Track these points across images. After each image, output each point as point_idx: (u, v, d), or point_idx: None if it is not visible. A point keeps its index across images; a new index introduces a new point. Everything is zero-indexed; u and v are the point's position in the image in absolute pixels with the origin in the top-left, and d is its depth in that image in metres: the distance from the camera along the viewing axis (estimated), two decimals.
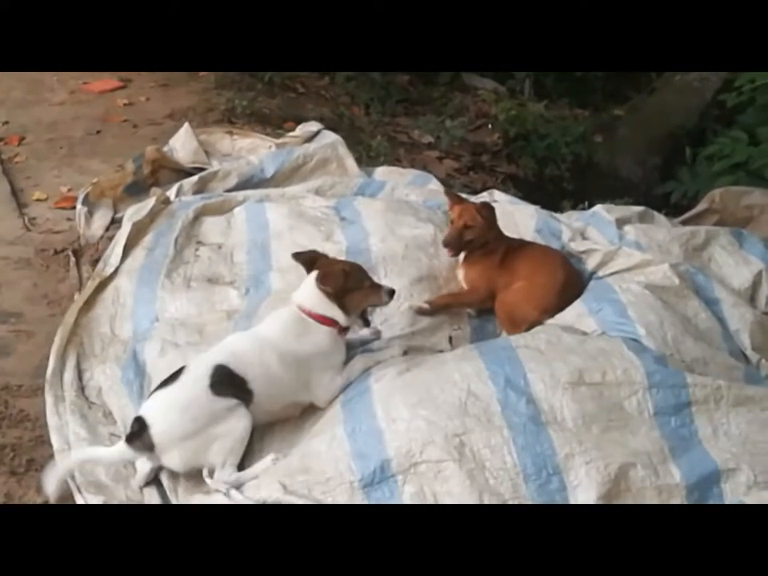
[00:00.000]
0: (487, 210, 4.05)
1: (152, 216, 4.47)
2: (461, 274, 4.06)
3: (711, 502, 3.06)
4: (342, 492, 3.01)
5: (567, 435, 3.14)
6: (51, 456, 3.36)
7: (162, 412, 3.20)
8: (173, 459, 3.20)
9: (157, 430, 3.16)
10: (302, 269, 3.65)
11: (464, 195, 4.88)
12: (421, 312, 3.86)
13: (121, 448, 3.18)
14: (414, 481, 3.02)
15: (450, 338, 3.83)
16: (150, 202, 4.50)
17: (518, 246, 4.09)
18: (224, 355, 3.33)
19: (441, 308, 3.91)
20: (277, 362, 3.35)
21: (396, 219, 4.31)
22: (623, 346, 3.48)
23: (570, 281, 3.99)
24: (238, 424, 3.23)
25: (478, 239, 4.00)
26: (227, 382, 3.25)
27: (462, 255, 4.05)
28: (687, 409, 3.29)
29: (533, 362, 3.35)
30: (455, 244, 3.98)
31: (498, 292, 3.97)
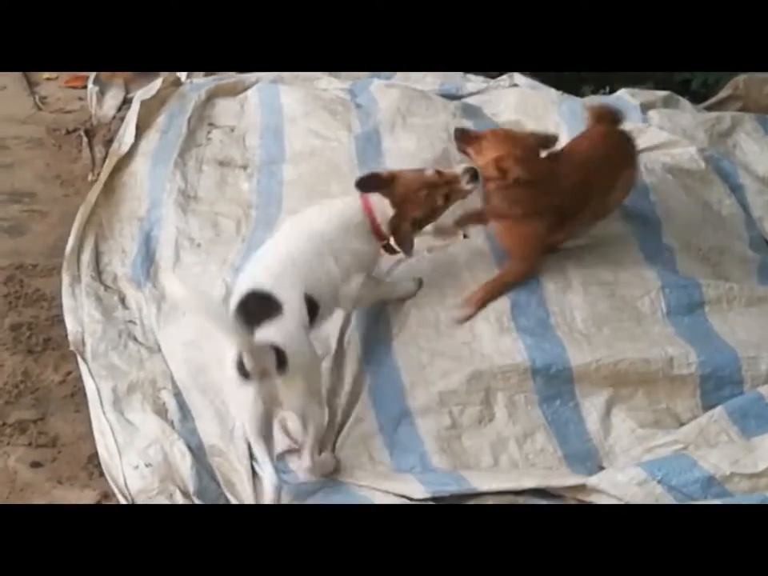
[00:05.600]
0: (511, 165, 3.16)
1: (163, 98, 4.39)
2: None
3: (727, 391, 3.11)
4: None
5: (577, 336, 3.17)
6: (67, 336, 3.39)
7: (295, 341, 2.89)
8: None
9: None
10: (315, 158, 3.63)
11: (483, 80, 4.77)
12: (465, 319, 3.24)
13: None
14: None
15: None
16: (158, 83, 4.42)
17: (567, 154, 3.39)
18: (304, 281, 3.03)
19: (484, 302, 3.25)
20: (334, 264, 3.11)
21: (410, 109, 4.18)
22: (637, 244, 3.48)
23: None
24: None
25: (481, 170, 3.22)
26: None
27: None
28: (701, 309, 3.31)
29: (545, 263, 3.35)
30: (464, 139, 3.30)
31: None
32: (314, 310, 3.03)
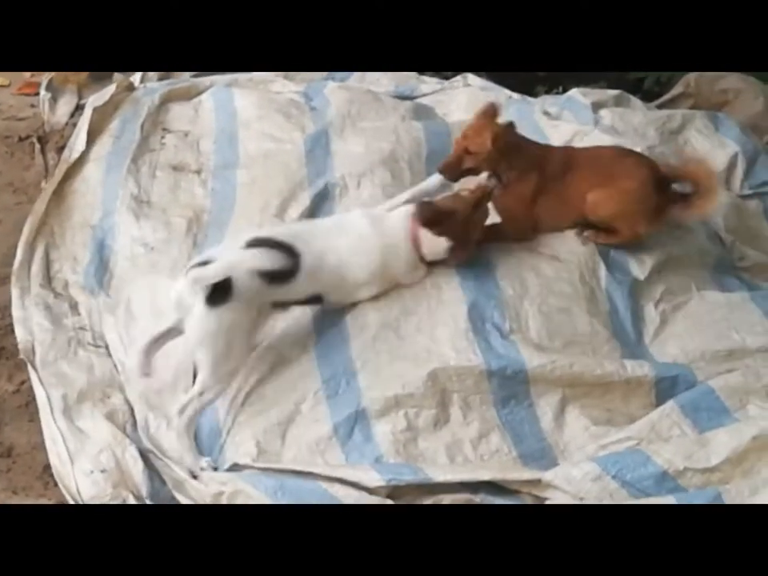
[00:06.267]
0: (505, 137, 3.39)
1: (116, 103, 4.36)
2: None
3: (681, 390, 3.14)
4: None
5: (531, 342, 3.21)
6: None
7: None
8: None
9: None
10: (270, 161, 3.72)
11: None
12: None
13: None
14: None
15: None
16: (112, 88, 4.39)
17: (570, 153, 3.61)
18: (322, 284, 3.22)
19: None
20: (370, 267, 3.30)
21: (360, 111, 4.21)
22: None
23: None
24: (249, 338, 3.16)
25: (481, 169, 3.44)
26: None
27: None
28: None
29: (504, 267, 3.41)
30: (451, 171, 3.44)
31: (549, 215, 3.51)
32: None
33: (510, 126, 3.43)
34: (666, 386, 3.14)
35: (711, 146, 4.24)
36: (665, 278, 3.54)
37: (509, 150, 3.39)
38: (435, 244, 3.31)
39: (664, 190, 3.48)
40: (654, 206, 3.46)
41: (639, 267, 3.53)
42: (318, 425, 3.04)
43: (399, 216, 3.36)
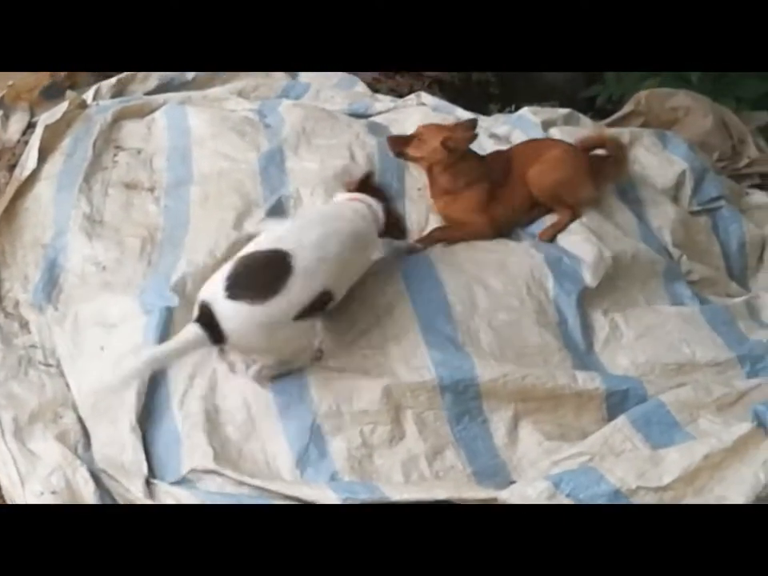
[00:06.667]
0: (457, 144, 3.62)
1: (68, 121, 4.32)
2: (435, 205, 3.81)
3: (631, 404, 3.18)
4: None
5: (483, 354, 3.23)
6: None
7: (242, 327, 2.90)
8: (240, 353, 3.11)
9: (233, 340, 2.91)
10: (224, 179, 3.71)
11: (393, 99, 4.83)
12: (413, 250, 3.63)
13: (194, 330, 2.88)
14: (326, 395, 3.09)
15: None
16: (64, 106, 4.35)
17: (505, 153, 3.88)
18: (327, 276, 3.06)
19: (437, 241, 3.68)
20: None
21: (315, 129, 4.24)
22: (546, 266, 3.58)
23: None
24: (309, 340, 3.16)
25: (424, 160, 3.70)
26: (319, 306, 3.08)
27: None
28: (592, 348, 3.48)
29: (453, 282, 3.44)
30: (396, 145, 3.70)
31: (508, 213, 3.74)
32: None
33: (471, 139, 3.66)
34: (616, 400, 3.17)
35: (659, 164, 4.30)
36: (613, 287, 3.61)
37: (456, 157, 3.64)
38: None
39: (587, 155, 3.88)
40: (587, 166, 3.82)
41: (590, 275, 3.57)
42: (272, 440, 3.04)
43: (345, 200, 3.44)
